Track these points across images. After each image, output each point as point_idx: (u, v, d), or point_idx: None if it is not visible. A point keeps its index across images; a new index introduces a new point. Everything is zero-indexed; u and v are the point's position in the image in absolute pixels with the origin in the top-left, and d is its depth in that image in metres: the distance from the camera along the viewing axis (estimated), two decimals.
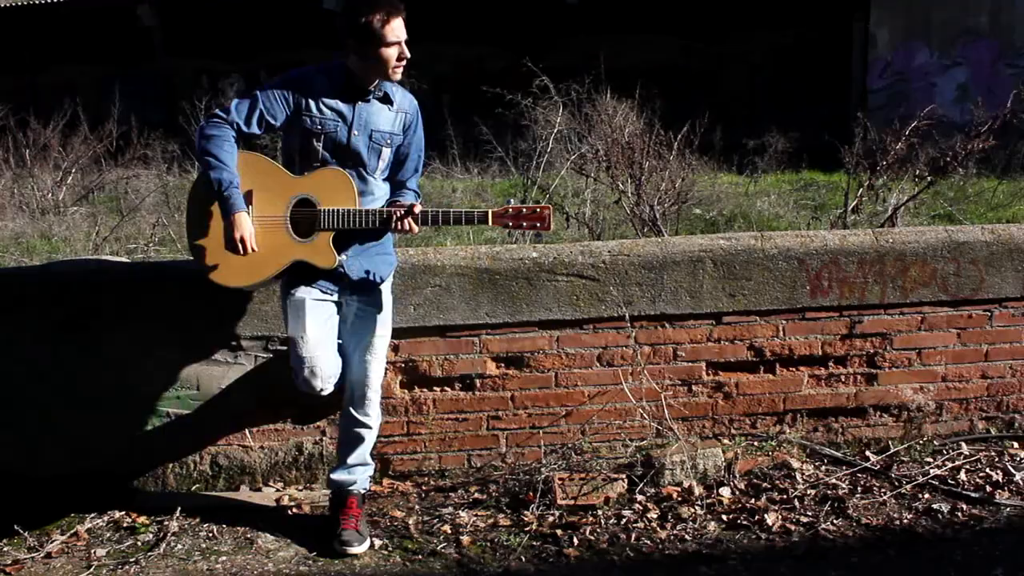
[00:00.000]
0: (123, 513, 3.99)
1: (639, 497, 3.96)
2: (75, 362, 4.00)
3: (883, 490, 4.04)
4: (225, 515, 3.95)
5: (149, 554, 3.67)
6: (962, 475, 4.14)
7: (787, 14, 16.35)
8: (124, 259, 4.73)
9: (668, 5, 16.84)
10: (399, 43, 3.44)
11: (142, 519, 3.94)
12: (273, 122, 3.49)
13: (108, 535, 3.85)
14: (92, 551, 3.69)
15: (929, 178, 7.29)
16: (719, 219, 8.53)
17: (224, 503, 4.06)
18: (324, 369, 3.59)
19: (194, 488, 4.15)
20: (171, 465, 4.15)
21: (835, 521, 3.79)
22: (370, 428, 3.76)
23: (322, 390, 3.65)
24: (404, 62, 3.50)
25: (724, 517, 3.83)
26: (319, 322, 3.56)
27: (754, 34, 17.08)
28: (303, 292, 3.54)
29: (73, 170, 11.49)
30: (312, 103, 3.49)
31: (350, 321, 3.68)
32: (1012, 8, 15.37)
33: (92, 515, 3.98)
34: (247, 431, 4.15)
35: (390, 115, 3.61)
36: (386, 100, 3.61)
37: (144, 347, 4.01)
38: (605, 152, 7.11)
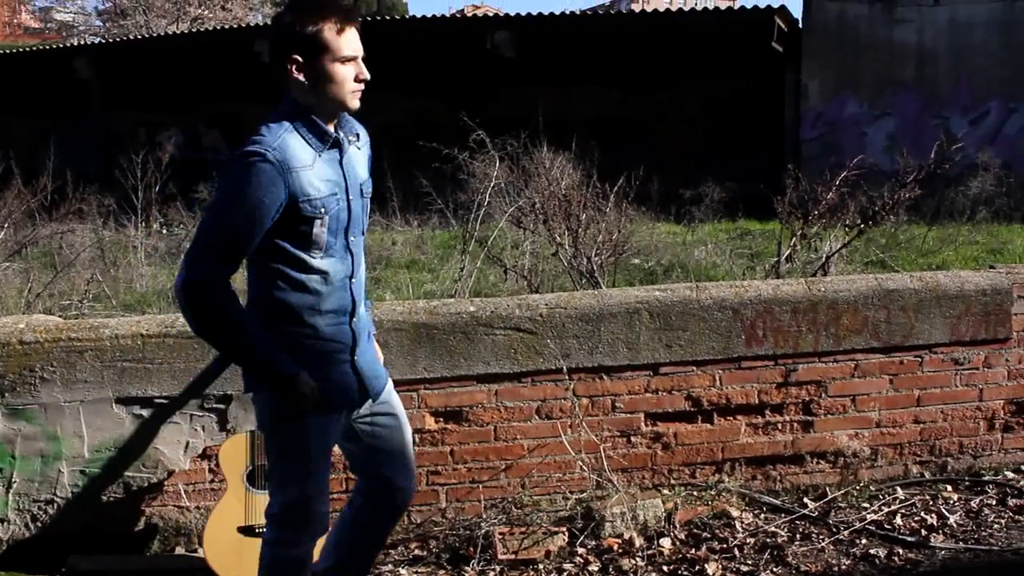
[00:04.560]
0: None
1: (580, 550, 3.95)
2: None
3: (821, 537, 4.07)
4: None
5: None
6: (898, 519, 4.19)
7: (722, 66, 16.71)
8: (57, 317, 4.65)
9: (605, 57, 17.13)
10: (357, 59, 2.81)
11: None
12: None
13: None
14: None
15: (860, 226, 7.45)
16: (657, 269, 8.62)
17: (159, 565, 3.97)
18: None
19: (128, 550, 4.06)
20: (104, 527, 4.05)
21: (775, 569, 3.81)
22: None
23: None
24: (363, 84, 2.85)
25: (665, 568, 3.83)
26: None
27: (690, 85, 17.40)
28: None
29: (6, 225, 11.29)
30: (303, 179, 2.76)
31: None
32: (936, 61, 15.86)
33: None
34: (182, 490, 4.08)
35: (363, 155, 3.05)
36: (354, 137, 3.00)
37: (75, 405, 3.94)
38: (542, 205, 7.17)
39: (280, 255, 2.79)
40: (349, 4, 2.83)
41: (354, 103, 2.82)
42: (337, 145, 2.85)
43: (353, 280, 2.92)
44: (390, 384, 3.15)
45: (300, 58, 2.73)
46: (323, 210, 2.77)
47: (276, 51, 2.77)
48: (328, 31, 2.72)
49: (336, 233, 2.84)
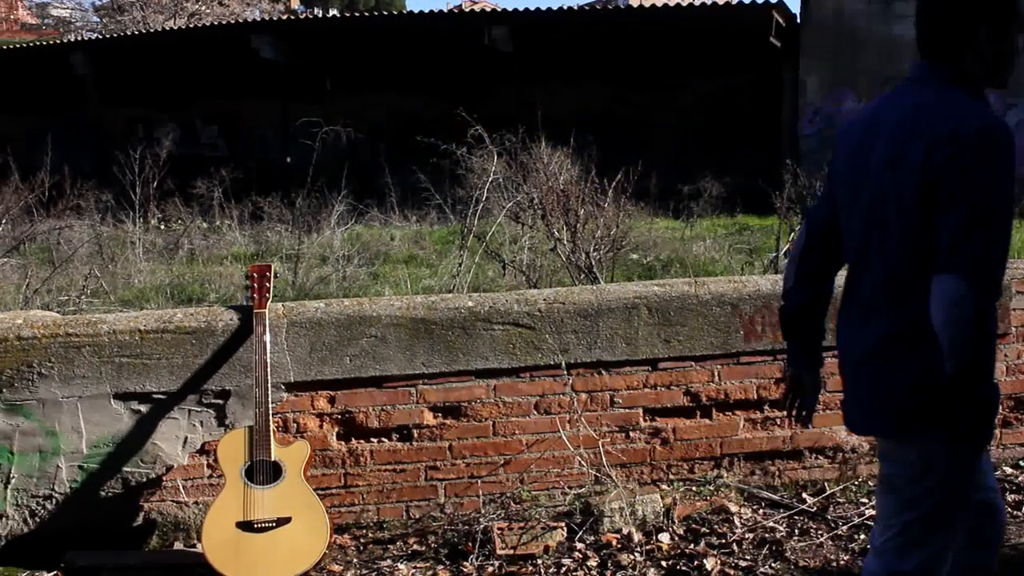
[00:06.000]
0: (52, 575, 3.88)
1: (579, 545, 3.94)
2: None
3: (820, 532, 4.07)
4: (158, 574, 3.86)
5: None
6: None
7: (720, 62, 16.70)
8: (55, 313, 4.64)
9: (604, 52, 17.11)
10: None
11: None
12: None
13: None
14: None
15: None
16: (656, 264, 8.62)
17: (157, 561, 3.97)
18: None
19: (126, 545, 4.05)
20: (102, 522, 4.05)
21: (773, 564, 3.81)
22: None
23: None
24: None
25: (663, 563, 3.83)
26: None
27: (688, 81, 17.39)
28: None
29: (3, 220, 11.28)
30: None
31: None
32: None
33: None
34: (181, 486, 4.08)
35: None
36: None
37: (73, 400, 3.93)
38: (540, 200, 7.16)
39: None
40: None
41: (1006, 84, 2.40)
42: None
43: None
44: None
45: (993, 26, 2.30)
46: None
47: (965, 13, 2.31)
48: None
49: None
